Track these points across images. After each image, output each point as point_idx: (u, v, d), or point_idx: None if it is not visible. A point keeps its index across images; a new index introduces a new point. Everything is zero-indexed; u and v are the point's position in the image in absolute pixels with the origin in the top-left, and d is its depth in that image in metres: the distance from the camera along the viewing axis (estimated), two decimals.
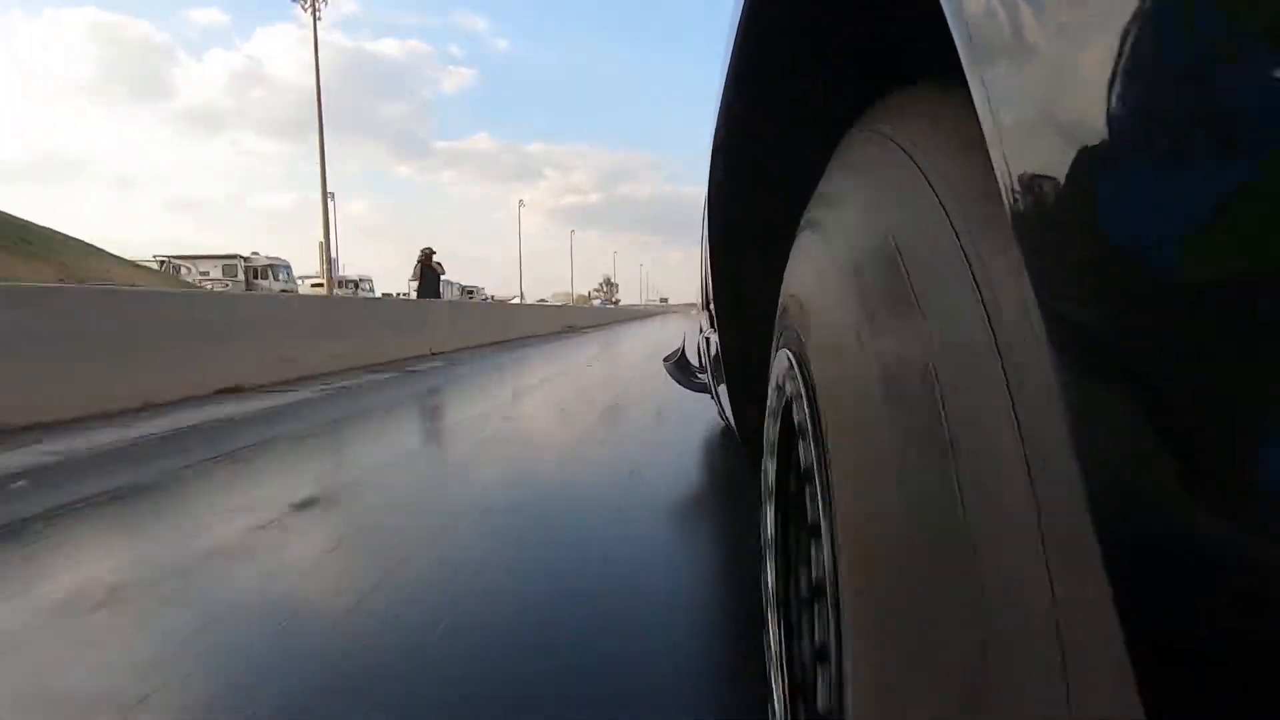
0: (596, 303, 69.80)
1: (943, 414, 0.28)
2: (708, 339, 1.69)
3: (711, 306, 1.18)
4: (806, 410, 0.46)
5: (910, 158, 0.37)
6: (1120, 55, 0.15)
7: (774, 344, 0.68)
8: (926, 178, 0.35)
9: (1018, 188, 0.19)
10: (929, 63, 0.46)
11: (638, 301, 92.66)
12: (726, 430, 2.58)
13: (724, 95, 0.72)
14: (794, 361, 0.53)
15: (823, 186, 0.57)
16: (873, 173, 0.43)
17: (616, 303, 78.73)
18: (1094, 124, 0.16)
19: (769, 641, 0.65)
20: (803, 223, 0.59)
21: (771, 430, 0.66)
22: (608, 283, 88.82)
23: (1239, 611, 0.13)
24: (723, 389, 1.27)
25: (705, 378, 2.36)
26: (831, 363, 0.43)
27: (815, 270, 0.51)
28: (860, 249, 0.40)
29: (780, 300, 0.65)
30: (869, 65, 0.64)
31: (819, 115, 0.70)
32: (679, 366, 2.66)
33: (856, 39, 0.63)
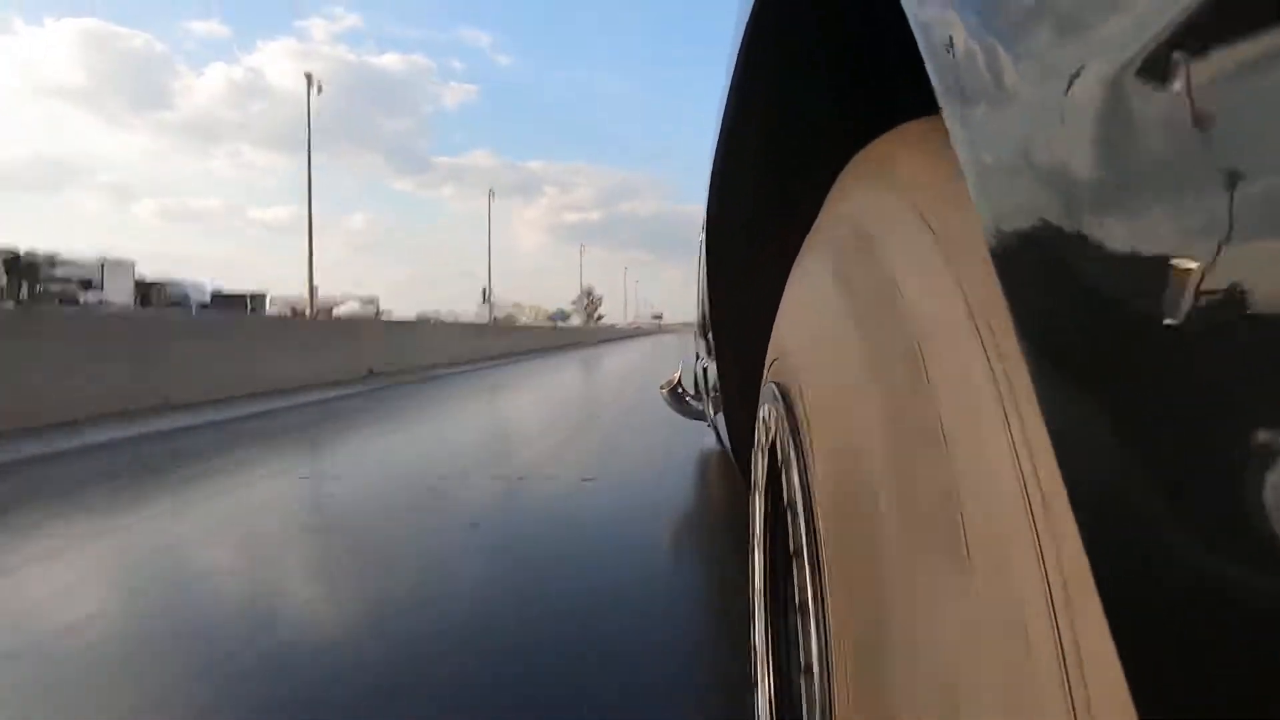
0: (576, 320, 66.22)
1: (941, 441, 0.29)
2: (704, 368, 1.71)
3: (710, 335, 1.19)
4: (792, 443, 0.48)
5: (901, 193, 0.39)
6: (1094, 94, 0.16)
7: (764, 376, 0.69)
8: (917, 210, 0.36)
9: (999, 224, 0.21)
10: (925, 99, 0.49)
11: (621, 321, 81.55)
12: (724, 455, 2.60)
13: (723, 123, 0.75)
14: (780, 395, 0.54)
15: (819, 220, 0.59)
16: (864, 207, 0.45)
17: (599, 319, 74.41)
18: (1071, 162, 0.17)
19: (759, 712, 0.65)
20: (799, 255, 0.61)
21: (759, 466, 0.67)
22: (589, 295, 78.36)
23: (1228, 622, 0.14)
24: (720, 417, 1.29)
25: (700, 405, 2.38)
26: (820, 396, 0.45)
27: (807, 302, 0.53)
28: (853, 282, 0.42)
29: (772, 333, 0.67)
30: (869, 100, 0.67)
31: (819, 146, 0.72)
32: (674, 395, 2.72)
33: (856, 76, 0.66)
